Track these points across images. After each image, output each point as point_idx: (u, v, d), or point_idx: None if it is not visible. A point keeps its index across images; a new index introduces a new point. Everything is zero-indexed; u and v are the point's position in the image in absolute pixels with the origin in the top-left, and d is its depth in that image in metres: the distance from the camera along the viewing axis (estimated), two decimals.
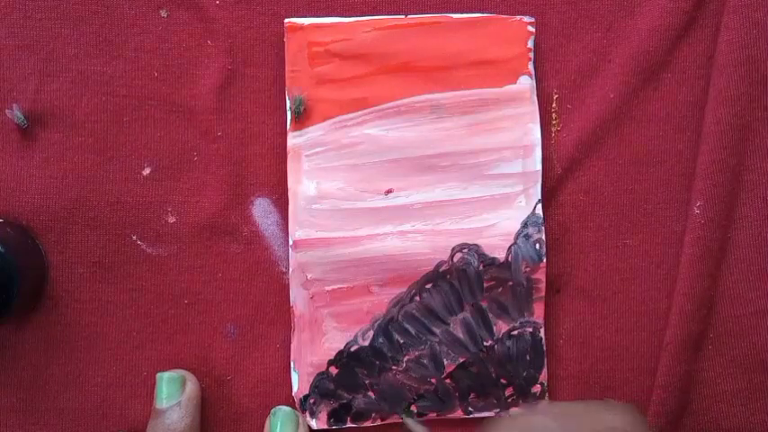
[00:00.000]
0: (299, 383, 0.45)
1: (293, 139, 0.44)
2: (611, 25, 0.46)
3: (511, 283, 0.44)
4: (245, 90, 0.45)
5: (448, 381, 0.45)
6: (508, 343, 0.45)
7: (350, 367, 0.45)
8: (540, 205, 0.45)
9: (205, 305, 0.45)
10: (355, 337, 0.45)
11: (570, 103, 0.46)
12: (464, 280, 0.44)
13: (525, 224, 0.44)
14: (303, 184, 0.44)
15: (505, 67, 0.45)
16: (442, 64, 0.44)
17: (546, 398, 0.45)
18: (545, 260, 0.44)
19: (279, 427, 0.44)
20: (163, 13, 0.45)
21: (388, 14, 0.45)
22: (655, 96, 0.46)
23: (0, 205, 0.44)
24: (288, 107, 0.44)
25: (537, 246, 0.44)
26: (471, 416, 0.45)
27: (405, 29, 0.44)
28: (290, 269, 0.45)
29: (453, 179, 0.45)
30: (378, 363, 0.45)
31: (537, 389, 0.45)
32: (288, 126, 0.45)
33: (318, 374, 0.45)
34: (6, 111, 0.43)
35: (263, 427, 0.44)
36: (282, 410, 0.44)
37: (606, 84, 0.45)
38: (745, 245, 0.45)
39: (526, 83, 0.45)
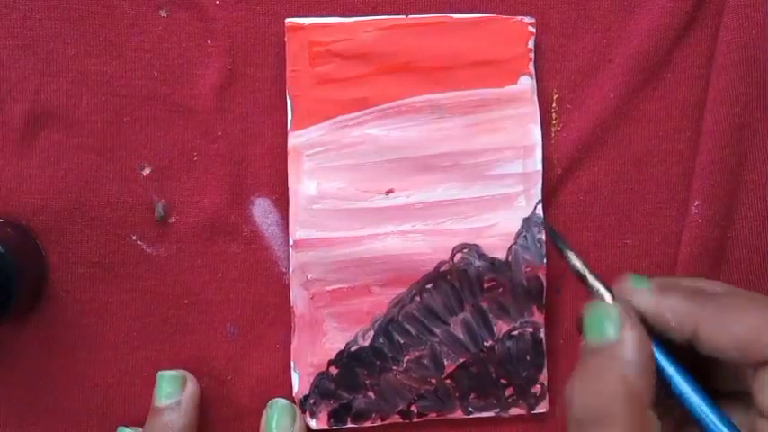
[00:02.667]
0: (299, 383, 0.45)
1: (294, 139, 0.44)
2: (611, 25, 0.46)
3: (511, 283, 0.44)
4: (245, 90, 0.45)
5: (448, 381, 0.45)
6: (508, 343, 0.45)
7: (350, 367, 0.45)
8: (540, 205, 0.45)
9: (205, 305, 0.45)
10: (355, 337, 0.45)
11: (570, 103, 0.46)
12: (464, 280, 0.44)
13: (526, 224, 0.44)
14: (304, 183, 0.44)
15: (506, 68, 0.45)
16: (442, 64, 0.45)
17: (546, 398, 0.45)
18: (545, 260, 0.44)
19: (275, 419, 0.44)
20: (163, 13, 0.45)
21: (388, 14, 0.45)
22: (655, 96, 0.46)
23: (0, 205, 0.44)
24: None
25: (537, 246, 0.44)
26: (471, 416, 0.45)
27: (405, 29, 0.44)
28: (291, 269, 0.45)
29: (454, 179, 0.45)
30: (378, 363, 0.45)
31: (537, 389, 0.45)
32: (288, 126, 0.45)
33: (319, 374, 0.45)
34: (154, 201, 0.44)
35: None
36: (279, 403, 0.44)
37: (606, 84, 0.45)
38: (744, 245, 0.45)
39: (527, 83, 0.45)
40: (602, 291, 0.36)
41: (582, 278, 0.37)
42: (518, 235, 0.44)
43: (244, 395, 0.45)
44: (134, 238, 0.45)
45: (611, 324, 0.34)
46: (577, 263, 0.37)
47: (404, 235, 0.44)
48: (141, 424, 0.44)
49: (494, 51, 0.45)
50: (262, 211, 0.45)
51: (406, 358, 0.45)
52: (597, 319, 0.35)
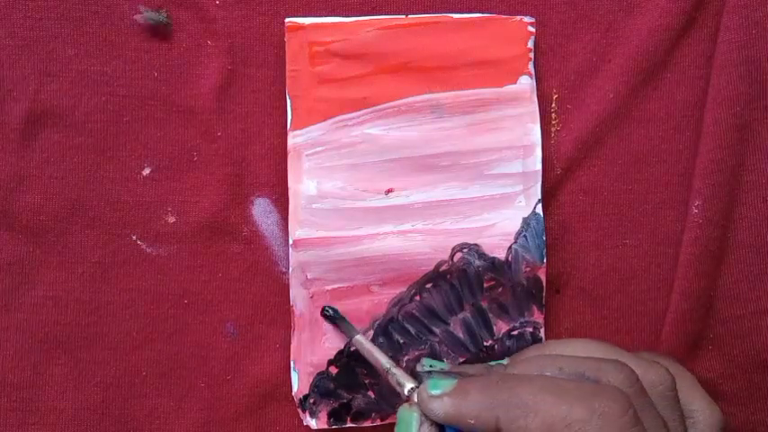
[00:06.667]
0: (298, 383, 0.45)
1: (293, 139, 0.45)
2: (611, 25, 0.46)
3: (511, 283, 0.44)
4: (245, 90, 0.45)
5: None
6: (508, 343, 0.45)
7: (350, 367, 0.45)
8: (540, 205, 0.45)
9: (205, 305, 0.45)
10: None
11: (570, 103, 0.46)
12: (464, 280, 0.44)
13: (525, 224, 0.44)
14: (303, 183, 0.44)
15: (506, 67, 0.45)
16: (442, 64, 0.45)
17: None
18: (545, 260, 0.44)
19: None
20: (163, 14, 0.45)
21: (388, 14, 0.45)
22: (655, 96, 0.46)
23: (0, 205, 0.44)
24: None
25: (537, 245, 0.44)
26: None
27: (405, 29, 0.45)
28: (290, 268, 0.45)
29: (453, 179, 0.45)
30: None
31: None
32: (288, 126, 0.45)
33: (318, 374, 0.45)
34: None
35: (262, 427, 0.45)
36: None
37: (606, 84, 0.45)
38: (744, 245, 0.45)
39: (526, 83, 0.45)
40: (406, 388, 0.40)
41: (387, 373, 0.40)
42: (518, 235, 0.44)
43: (244, 395, 0.45)
44: (134, 238, 0.45)
45: (412, 429, 0.38)
46: (382, 359, 0.41)
47: (403, 234, 0.44)
48: (142, 423, 0.44)
49: (493, 51, 0.45)
50: (262, 210, 0.45)
51: (406, 358, 0.45)
52: (402, 423, 0.39)
